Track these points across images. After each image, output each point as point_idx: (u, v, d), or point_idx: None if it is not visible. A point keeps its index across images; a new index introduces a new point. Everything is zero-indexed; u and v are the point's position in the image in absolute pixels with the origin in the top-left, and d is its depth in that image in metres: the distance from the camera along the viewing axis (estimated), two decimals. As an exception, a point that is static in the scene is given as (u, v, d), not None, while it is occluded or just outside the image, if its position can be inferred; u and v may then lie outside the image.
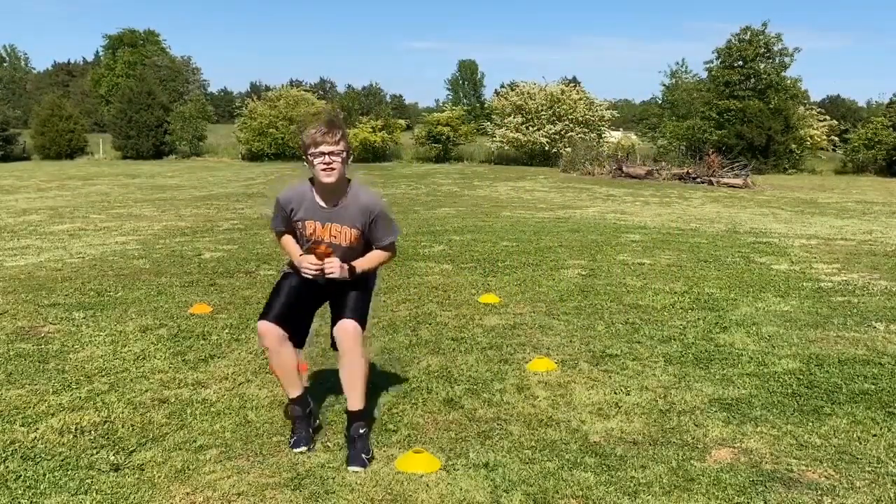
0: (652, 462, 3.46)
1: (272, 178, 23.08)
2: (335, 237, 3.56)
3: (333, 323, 3.62)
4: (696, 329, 5.70)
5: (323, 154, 3.39)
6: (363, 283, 3.69)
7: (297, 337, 3.71)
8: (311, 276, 3.54)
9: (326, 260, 3.50)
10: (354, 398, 3.57)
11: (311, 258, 3.53)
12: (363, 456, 3.42)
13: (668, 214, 14.38)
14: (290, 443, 3.59)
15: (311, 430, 3.66)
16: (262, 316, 3.60)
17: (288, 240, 3.72)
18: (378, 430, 3.80)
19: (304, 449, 3.53)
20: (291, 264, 3.72)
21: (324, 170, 3.41)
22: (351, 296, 3.62)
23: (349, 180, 3.56)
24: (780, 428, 3.85)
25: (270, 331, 3.56)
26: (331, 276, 3.49)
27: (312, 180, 3.56)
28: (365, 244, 3.66)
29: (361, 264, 3.62)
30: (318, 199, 3.55)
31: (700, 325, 5.82)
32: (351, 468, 3.36)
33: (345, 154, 3.45)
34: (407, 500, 3.13)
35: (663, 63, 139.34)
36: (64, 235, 10.58)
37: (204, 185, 20.69)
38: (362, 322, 3.60)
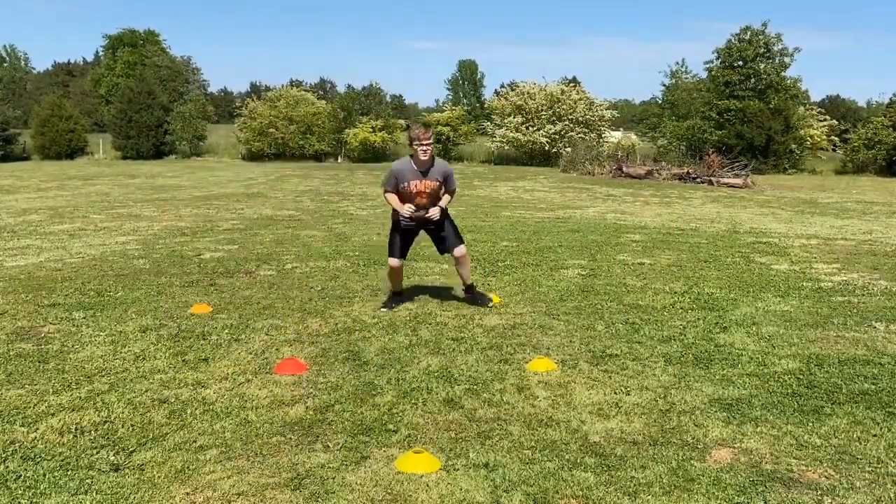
0: (652, 462, 3.46)
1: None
2: (428, 187, 6.13)
3: (445, 249, 6.39)
4: (696, 329, 5.70)
5: (423, 143, 5.99)
6: (449, 220, 6.38)
7: (404, 257, 6.40)
8: (413, 219, 6.16)
9: (431, 211, 6.13)
10: (468, 278, 6.46)
11: (410, 206, 6.09)
12: (486, 300, 6.39)
13: (668, 214, 14.38)
14: (383, 305, 6.31)
15: (398, 303, 6.34)
16: (392, 254, 6.29)
17: (393, 196, 6.18)
18: (378, 430, 3.80)
19: (385, 310, 6.18)
20: (396, 213, 6.20)
21: (423, 152, 6.01)
22: (448, 231, 6.33)
23: (433, 156, 6.17)
24: (780, 428, 3.85)
25: (393, 262, 6.30)
26: (433, 218, 6.16)
27: (411, 157, 6.12)
28: (440, 189, 6.23)
29: (443, 203, 6.25)
30: (416, 167, 6.10)
31: (700, 325, 5.83)
32: (488, 303, 6.34)
33: (433, 142, 6.12)
34: (407, 500, 3.13)
35: (663, 63, 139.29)
36: (64, 235, 10.58)
37: (204, 185, 20.69)
38: (461, 240, 6.41)
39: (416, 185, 6.08)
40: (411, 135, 6.11)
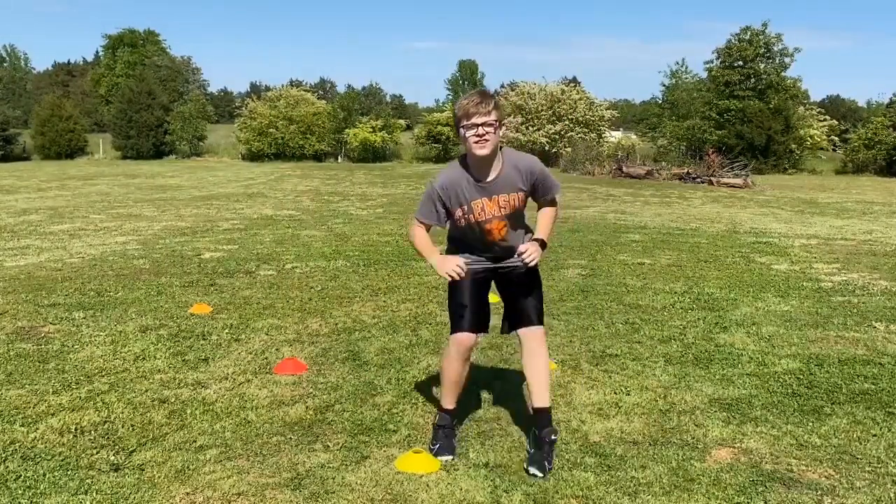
0: (652, 462, 3.45)
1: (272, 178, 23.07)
2: (503, 207, 3.42)
3: (514, 316, 3.63)
4: (696, 329, 5.70)
5: (476, 126, 3.25)
6: (538, 280, 3.63)
7: (482, 330, 3.66)
8: (455, 275, 3.37)
9: (524, 250, 3.35)
10: (544, 395, 3.54)
11: (460, 262, 3.38)
12: (546, 463, 3.35)
13: (668, 214, 14.37)
14: (431, 449, 3.52)
15: (454, 441, 3.60)
16: (458, 329, 3.56)
17: (424, 237, 3.50)
18: (378, 430, 3.80)
19: (449, 458, 3.47)
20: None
21: (476, 142, 3.27)
22: (532, 297, 3.58)
23: (500, 148, 3.40)
24: (780, 428, 3.85)
25: (469, 340, 3.55)
26: (532, 263, 3.38)
27: (461, 160, 3.45)
28: (525, 204, 3.53)
29: (545, 234, 3.53)
30: (474, 176, 3.39)
31: (700, 325, 5.82)
32: (531, 469, 3.31)
33: (497, 124, 3.29)
34: (407, 500, 3.12)
35: (663, 63, 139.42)
36: (64, 235, 10.58)
37: (204, 185, 20.69)
38: (541, 320, 3.61)
39: (481, 205, 3.40)
40: (456, 111, 3.35)
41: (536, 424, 3.51)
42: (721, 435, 3.76)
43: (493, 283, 3.68)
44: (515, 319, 3.61)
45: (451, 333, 3.61)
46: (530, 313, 3.56)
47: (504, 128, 3.61)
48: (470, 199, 3.39)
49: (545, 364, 3.55)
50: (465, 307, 3.54)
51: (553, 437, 3.44)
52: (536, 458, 3.37)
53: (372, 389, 4.38)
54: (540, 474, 3.29)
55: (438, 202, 3.42)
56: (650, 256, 9.00)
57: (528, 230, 3.60)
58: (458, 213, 3.43)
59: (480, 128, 3.25)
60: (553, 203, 3.61)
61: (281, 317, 6.01)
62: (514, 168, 3.40)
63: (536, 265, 3.47)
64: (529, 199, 3.52)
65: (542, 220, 3.59)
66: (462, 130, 3.30)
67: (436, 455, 3.47)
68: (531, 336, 3.55)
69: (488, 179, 3.38)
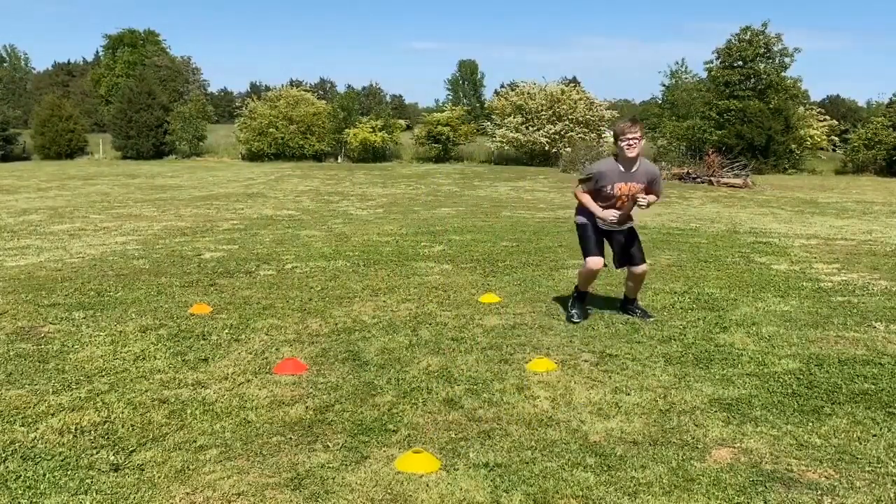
0: (652, 462, 3.46)
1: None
2: (632, 189, 5.54)
3: (627, 262, 5.89)
4: (696, 329, 5.70)
5: (628, 138, 5.37)
6: (637, 236, 5.91)
7: (604, 255, 5.80)
8: (609, 223, 5.69)
9: (640, 198, 5.47)
10: (634, 293, 6.07)
11: (613, 212, 5.60)
12: (647, 315, 5.95)
13: (668, 214, 14.37)
14: (568, 315, 5.90)
15: (585, 313, 5.94)
16: (590, 253, 5.76)
17: (588, 197, 5.67)
18: (378, 430, 3.80)
19: (579, 321, 5.78)
20: (586, 215, 5.75)
21: (628, 147, 5.39)
22: (635, 246, 5.86)
23: (640, 156, 5.54)
24: (780, 428, 3.85)
25: (598, 261, 5.74)
26: (641, 205, 5.49)
27: (615, 156, 5.54)
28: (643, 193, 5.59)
29: (650, 199, 5.58)
30: (621, 168, 5.52)
31: (700, 325, 5.82)
32: (648, 320, 5.86)
33: (641, 137, 5.44)
34: (407, 500, 3.13)
35: (663, 63, 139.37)
36: (64, 235, 10.58)
37: (204, 185, 20.69)
38: (645, 260, 5.94)
39: (619, 188, 5.53)
40: (616, 130, 5.50)
41: (626, 303, 6.12)
42: (721, 435, 3.76)
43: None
44: (628, 259, 5.88)
45: (586, 258, 5.84)
46: (636, 254, 5.87)
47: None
48: (616, 182, 5.53)
49: (641, 284, 6.04)
50: (592, 241, 5.80)
51: (636, 304, 6.10)
52: (643, 316, 5.94)
53: (372, 389, 4.38)
54: (651, 318, 5.92)
55: (594, 179, 5.59)
56: (650, 256, 8.97)
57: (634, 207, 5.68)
58: (605, 188, 5.57)
59: (631, 139, 5.41)
60: (659, 194, 5.77)
61: (281, 317, 6.01)
62: (644, 169, 5.60)
63: (636, 235, 5.92)
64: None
65: (650, 196, 5.62)
66: (621, 141, 5.43)
67: (568, 319, 5.86)
68: (639, 269, 5.89)
69: (630, 171, 5.54)
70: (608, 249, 5.95)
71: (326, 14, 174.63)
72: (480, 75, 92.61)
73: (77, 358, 4.92)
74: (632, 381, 4.53)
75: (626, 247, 5.84)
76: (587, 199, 5.66)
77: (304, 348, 5.19)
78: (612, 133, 5.46)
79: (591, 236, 5.76)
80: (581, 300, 5.96)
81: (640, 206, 5.50)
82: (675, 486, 3.23)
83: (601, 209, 5.61)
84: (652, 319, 5.86)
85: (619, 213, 5.60)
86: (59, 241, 10.06)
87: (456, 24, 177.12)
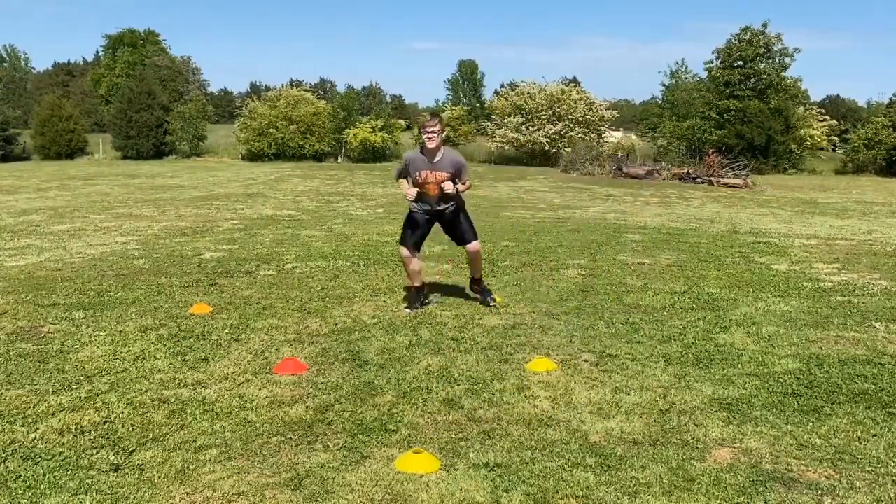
0: (652, 462, 3.46)
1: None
2: (437, 177, 6.05)
3: (459, 242, 6.39)
4: (696, 329, 5.70)
5: (427, 131, 5.99)
6: (465, 214, 6.37)
7: (418, 249, 6.34)
8: (420, 208, 6.22)
9: (445, 184, 6.01)
10: (477, 272, 6.47)
11: (412, 191, 6.09)
12: (489, 298, 6.40)
13: (668, 214, 14.38)
14: (404, 307, 6.27)
15: (420, 304, 6.29)
16: (402, 243, 6.27)
17: (402, 181, 6.24)
18: (378, 430, 3.80)
19: (410, 312, 6.12)
20: (410, 207, 6.27)
21: (428, 139, 5.98)
22: (464, 225, 6.31)
23: (442, 146, 6.09)
24: (780, 428, 3.85)
25: (405, 251, 6.23)
26: (447, 190, 6.02)
27: (422, 147, 6.10)
28: (452, 182, 6.09)
29: (459, 187, 6.15)
30: (425, 157, 6.07)
31: (700, 325, 5.82)
32: (490, 302, 6.35)
33: (440, 132, 6.03)
34: (407, 500, 3.13)
35: (663, 63, 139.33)
36: (64, 235, 10.58)
37: (204, 185, 20.69)
38: (476, 236, 6.36)
39: (425, 175, 6.06)
40: (419, 123, 6.19)
41: (473, 283, 6.55)
42: (721, 435, 3.76)
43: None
44: (458, 239, 6.39)
45: (398, 246, 6.40)
46: (465, 233, 6.31)
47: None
48: (421, 169, 6.08)
49: (479, 262, 6.42)
50: (407, 233, 6.27)
51: (485, 284, 6.55)
52: (484, 299, 6.40)
53: (372, 389, 4.38)
54: (494, 303, 6.37)
55: (404, 167, 6.21)
56: (650, 256, 9.00)
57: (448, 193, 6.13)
58: (413, 175, 6.11)
59: (430, 131, 5.99)
60: (466, 182, 6.26)
61: (281, 317, 6.01)
62: (448, 158, 6.11)
63: (461, 209, 6.33)
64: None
65: (460, 185, 6.18)
66: (422, 132, 6.04)
67: (406, 308, 6.24)
68: (470, 246, 6.30)
69: (433, 159, 6.06)
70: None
71: (326, 14, 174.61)
72: (480, 75, 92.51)
73: (77, 358, 4.92)
74: (632, 381, 4.53)
75: (453, 228, 6.33)
76: (402, 184, 6.25)
77: (304, 348, 5.19)
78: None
79: (408, 228, 6.26)
80: (417, 294, 6.37)
81: (446, 191, 6.03)
82: (675, 486, 3.23)
83: (407, 188, 6.18)
84: (493, 304, 6.32)
85: (415, 191, 6.10)
86: (59, 241, 10.06)
87: (456, 24, 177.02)
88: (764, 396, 4.29)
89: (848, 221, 13.75)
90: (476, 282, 6.50)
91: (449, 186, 6.02)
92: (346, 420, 3.93)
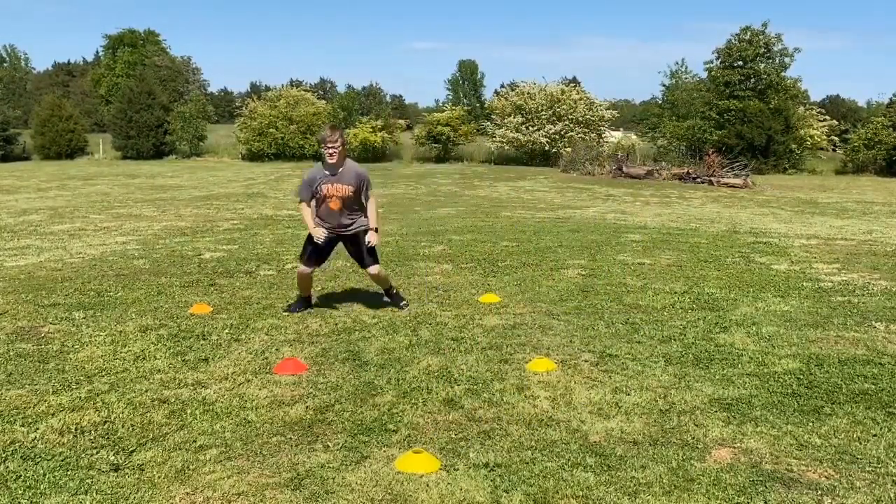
0: (652, 462, 3.46)
1: (273, 177, 23.06)
2: (339, 191, 5.94)
3: (361, 265, 6.26)
4: (696, 329, 5.70)
5: (327, 145, 5.87)
6: (362, 243, 6.12)
7: (319, 266, 6.30)
8: (318, 239, 5.96)
9: (370, 239, 6.07)
10: (385, 287, 6.38)
11: (322, 231, 5.96)
12: (402, 303, 6.32)
13: (668, 214, 14.38)
14: (286, 307, 6.22)
15: (304, 308, 6.17)
16: (301, 259, 6.14)
17: (307, 211, 6.06)
18: (378, 430, 3.80)
19: (289, 312, 6.08)
20: (317, 219, 6.04)
21: (329, 155, 5.88)
22: (363, 252, 6.12)
23: (345, 160, 6.01)
24: (780, 428, 3.85)
25: (305, 270, 6.10)
26: (371, 244, 6.06)
27: (323, 162, 5.97)
28: (356, 195, 6.02)
29: (374, 222, 6.17)
30: (326, 171, 5.95)
31: (700, 325, 5.82)
32: (403, 309, 6.21)
33: (341, 146, 5.90)
34: (407, 500, 3.13)
35: (663, 63, 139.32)
36: (64, 235, 10.58)
37: (204, 185, 20.69)
38: (377, 260, 6.21)
39: (327, 189, 5.91)
40: (318, 138, 6.01)
41: (388, 295, 6.41)
42: (721, 435, 3.76)
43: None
44: (361, 263, 6.24)
45: (297, 261, 6.38)
46: (365, 258, 6.15)
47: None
48: (322, 182, 5.95)
49: (383, 281, 6.35)
50: (308, 251, 6.12)
51: (394, 292, 6.43)
52: (397, 304, 6.30)
53: (372, 389, 4.38)
54: (407, 308, 6.25)
55: (307, 185, 6.01)
56: (650, 256, 8.99)
57: (355, 212, 6.09)
58: (316, 191, 5.96)
59: (330, 146, 5.86)
60: (369, 197, 6.15)
61: (281, 317, 6.01)
62: (351, 171, 5.99)
63: (363, 233, 6.12)
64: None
65: (370, 212, 6.17)
66: (321, 147, 5.92)
67: (287, 308, 6.20)
68: (371, 269, 6.20)
69: (334, 172, 5.94)
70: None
71: (326, 14, 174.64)
72: (480, 75, 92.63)
73: (77, 358, 4.92)
74: (632, 381, 4.53)
75: (354, 252, 6.25)
76: (305, 214, 6.06)
77: (304, 348, 5.19)
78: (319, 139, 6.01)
79: (310, 244, 6.07)
80: (302, 301, 6.26)
81: (370, 245, 6.04)
82: (675, 486, 3.23)
83: (313, 225, 5.99)
84: (406, 306, 6.27)
85: (325, 233, 5.94)
86: (59, 241, 10.06)
87: (456, 24, 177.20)
88: (764, 396, 4.29)
89: (848, 221, 13.75)
90: (386, 292, 6.41)
91: (373, 240, 6.04)
92: (346, 420, 3.93)
